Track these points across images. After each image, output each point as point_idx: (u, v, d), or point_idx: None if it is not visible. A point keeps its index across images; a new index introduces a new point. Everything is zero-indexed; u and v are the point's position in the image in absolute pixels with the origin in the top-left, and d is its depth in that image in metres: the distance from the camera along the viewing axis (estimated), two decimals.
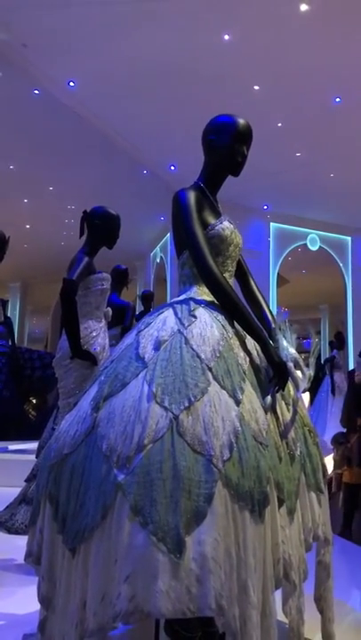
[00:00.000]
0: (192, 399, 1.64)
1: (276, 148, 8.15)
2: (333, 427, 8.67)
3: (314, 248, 11.86)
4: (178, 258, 2.13)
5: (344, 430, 5.54)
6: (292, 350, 2.00)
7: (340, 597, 2.60)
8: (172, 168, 8.75)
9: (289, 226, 11.49)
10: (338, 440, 5.25)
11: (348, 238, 12.31)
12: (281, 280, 12.30)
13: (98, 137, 7.81)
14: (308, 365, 2.06)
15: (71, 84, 6.69)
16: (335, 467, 5.04)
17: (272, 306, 10.62)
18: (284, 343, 2.01)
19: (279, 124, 7.60)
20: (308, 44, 5.93)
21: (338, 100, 7.02)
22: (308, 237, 11.75)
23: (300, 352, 2.10)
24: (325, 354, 13.65)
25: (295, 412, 1.98)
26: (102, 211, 3.41)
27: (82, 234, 3.39)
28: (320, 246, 11.94)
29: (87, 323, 3.31)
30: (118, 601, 1.40)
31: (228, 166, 2.10)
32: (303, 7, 5.38)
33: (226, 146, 2.06)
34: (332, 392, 9.41)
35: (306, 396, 10.38)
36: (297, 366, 1.98)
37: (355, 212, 11.10)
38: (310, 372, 2.04)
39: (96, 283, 3.34)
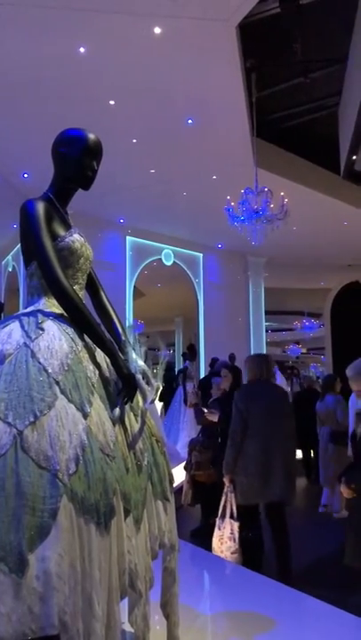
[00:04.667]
0: (38, 414, 1.62)
1: (131, 163, 8.29)
2: (186, 435, 8.96)
3: (168, 263, 12.21)
4: (26, 269, 2.08)
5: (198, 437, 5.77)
6: (141, 362, 2.05)
7: (188, 603, 2.69)
8: (26, 176, 8.51)
9: (144, 240, 11.72)
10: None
11: (200, 255, 12.86)
12: (137, 293, 12.49)
13: None
14: (156, 377, 2.12)
15: None
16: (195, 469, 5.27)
17: (128, 318, 10.73)
18: (134, 355, 2.05)
19: (134, 140, 7.73)
20: (162, 65, 6.12)
21: (190, 121, 7.32)
22: (163, 252, 12.08)
23: (154, 364, 2.16)
24: (179, 365, 14.07)
25: (143, 423, 2.03)
26: None
27: None
28: (174, 261, 12.32)
29: None
30: None
31: (77, 180, 2.10)
32: (157, 30, 5.56)
33: (76, 159, 2.06)
34: (185, 402, 9.70)
35: (159, 406, 10.61)
36: (145, 378, 2.03)
37: (205, 230, 11.63)
38: (158, 383, 2.10)
39: None
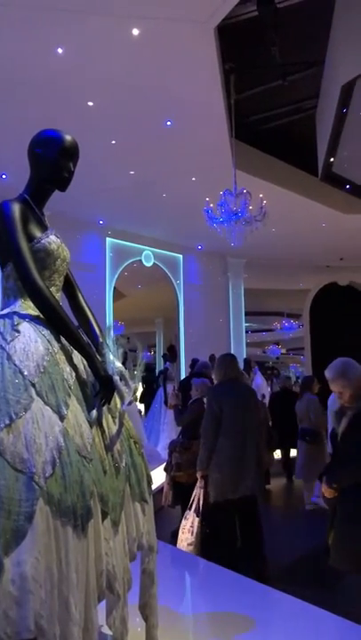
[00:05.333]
0: (13, 416, 1.61)
1: (110, 164, 8.27)
2: (167, 437, 8.95)
3: (148, 264, 12.20)
4: (2, 270, 2.06)
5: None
6: (118, 364, 2.04)
7: (168, 604, 2.69)
8: (4, 177, 8.44)
9: (124, 241, 11.69)
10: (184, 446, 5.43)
11: (180, 256, 12.87)
12: (117, 294, 12.45)
13: None
14: (133, 378, 2.12)
15: None
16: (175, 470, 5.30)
17: (109, 319, 10.69)
18: (111, 357, 2.04)
19: (113, 142, 7.71)
20: (141, 66, 6.11)
21: (169, 123, 7.32)
22: (143, 254, 12.06)
23: (134, 365, 2.15)
24: (159, 366, 14.06)
25: (121, 425, 2.02)
26: None
27: None
28: (154, 262, 12.31)
29: None
30: None
31: (54, 181, 2.09)
32: (135, 31, 5.55)
33: (52, 160, 2.04)
34: (165, 403, 9.70)
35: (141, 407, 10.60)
36: (123, 380, 2.02)
37: (185, 231, 11.64)
38: (136, 384, 2.10)
39: None
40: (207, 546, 4.21)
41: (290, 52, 7.76)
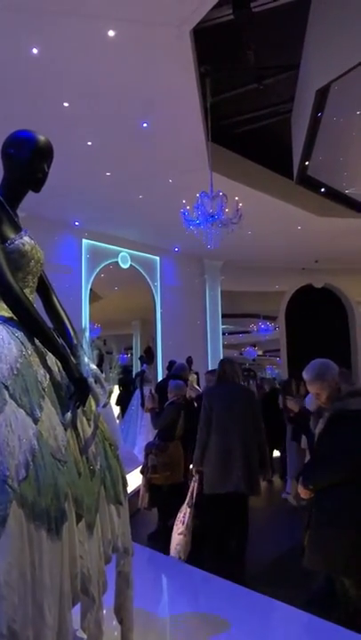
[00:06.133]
0: None
1: (86, 165, 8.24)
2: (144, 439, 8.92)
3: (125, 266, 12.16)
4: None
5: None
6: (93, 366, 2.04)
7: (145, 606, 2.68)
8: None
9: (101, 243, 11.63)
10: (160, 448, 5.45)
11: (157, 258, 12.86)
12: (94, 296, 12.38)
13: None
14: (108, 380, 2.11)
15: None
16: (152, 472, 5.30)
17: (85, 322, 10.63)
18: (86, 359, 2.03)
19: (89, 143, 7.67)
20: (117, 68, 6.10)
21: (145, 125, 7.33)
22: (120, 255, 12.02)
23: (110, 368, 2.14)
24: (137, 368, 14.03)
25: (96, 427, 2.02)
26: None
27: None
28: (131, 264, 12.28)
29: None
30: None
31: (27, 182, 2.07)
32: (111, 32, 5.54)
33: (25, 161, 2.03)
34: (142, 405, 9.68)
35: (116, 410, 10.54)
36: (97, 381, 2.01)
37: (162, 233, 11.64)
38: (111, 386, 2.09)
39: None
40: (196, 536, 4.35)
41: (265, 56, 7.84)
